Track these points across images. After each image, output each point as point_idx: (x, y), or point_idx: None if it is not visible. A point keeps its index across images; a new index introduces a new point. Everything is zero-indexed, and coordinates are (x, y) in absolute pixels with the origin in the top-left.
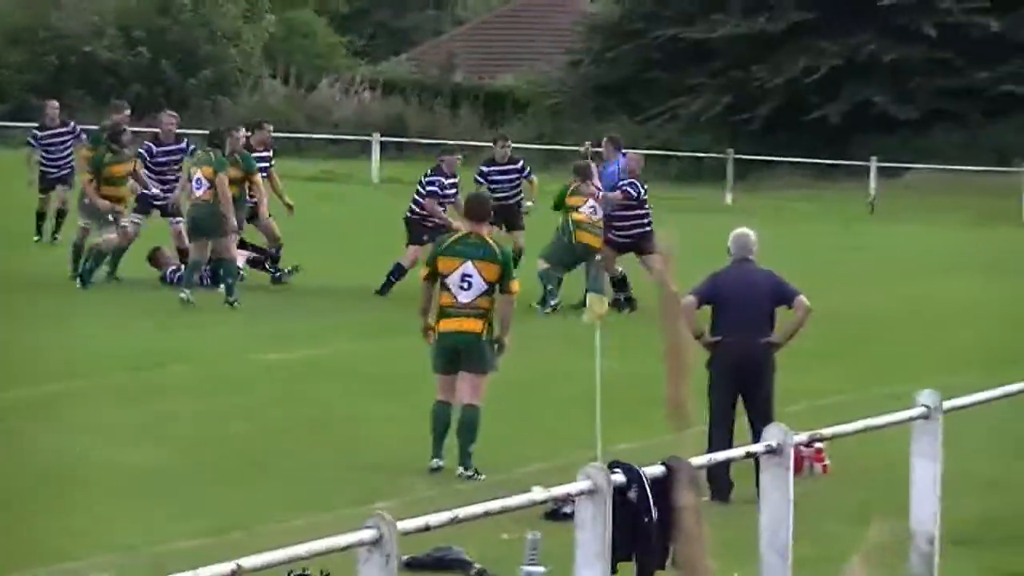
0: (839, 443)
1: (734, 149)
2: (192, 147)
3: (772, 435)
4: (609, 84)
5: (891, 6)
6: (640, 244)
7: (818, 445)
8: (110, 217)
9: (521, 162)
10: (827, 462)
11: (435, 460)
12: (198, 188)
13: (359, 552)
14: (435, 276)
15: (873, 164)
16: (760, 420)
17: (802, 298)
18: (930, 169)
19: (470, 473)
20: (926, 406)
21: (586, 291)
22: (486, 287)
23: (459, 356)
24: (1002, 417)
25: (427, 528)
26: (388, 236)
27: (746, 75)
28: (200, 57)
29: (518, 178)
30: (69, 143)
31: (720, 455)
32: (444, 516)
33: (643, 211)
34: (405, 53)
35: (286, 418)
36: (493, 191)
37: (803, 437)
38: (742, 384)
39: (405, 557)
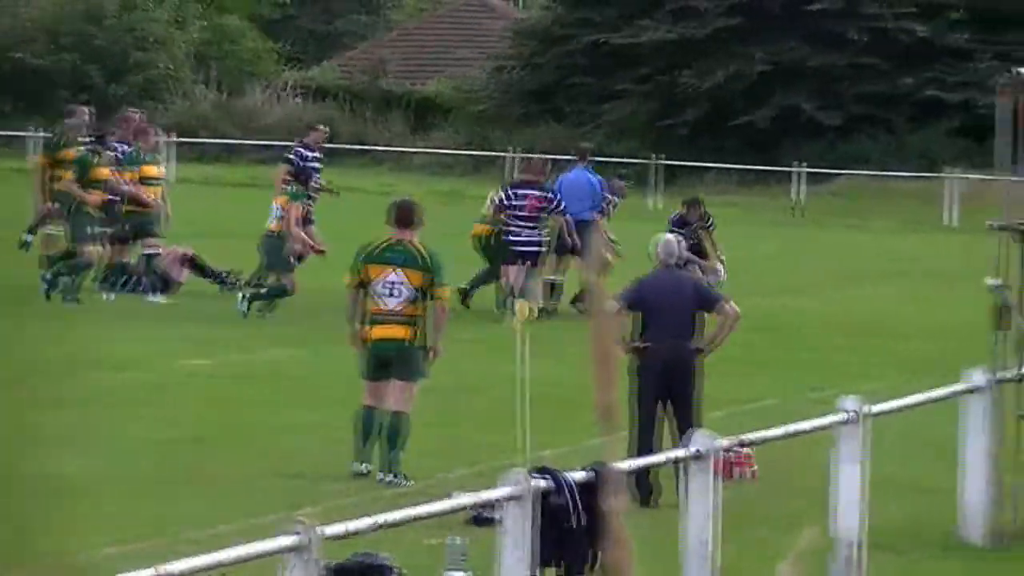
0: (764, 448)
1: (661, 155)
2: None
3: (697, 440)
4: (536, 90)
5: (818, 11)
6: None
7: (744, 450)
8: (96, 230)
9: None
10: (755, 467)
11: (360, 465)
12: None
13: (283, 558)
14: (362, 284)
15: (800, 170)
16: (685, 425)
17: (728, 304)
18: (856, 175)
19: (397, 480)
20: (851, 411)
21: (509, 297)
22: (413, 294)
23: (388, 363)
24: (922, 421)
25: (351, 534)
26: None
27: (673, 81)
28: (129, 63)
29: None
30: None
31: (645, 460)
32: (368, 522)
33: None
34: (334, 59)
35: (211, 425)
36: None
37: (728, 442)
38: (668, 389)
39: (329, 563)
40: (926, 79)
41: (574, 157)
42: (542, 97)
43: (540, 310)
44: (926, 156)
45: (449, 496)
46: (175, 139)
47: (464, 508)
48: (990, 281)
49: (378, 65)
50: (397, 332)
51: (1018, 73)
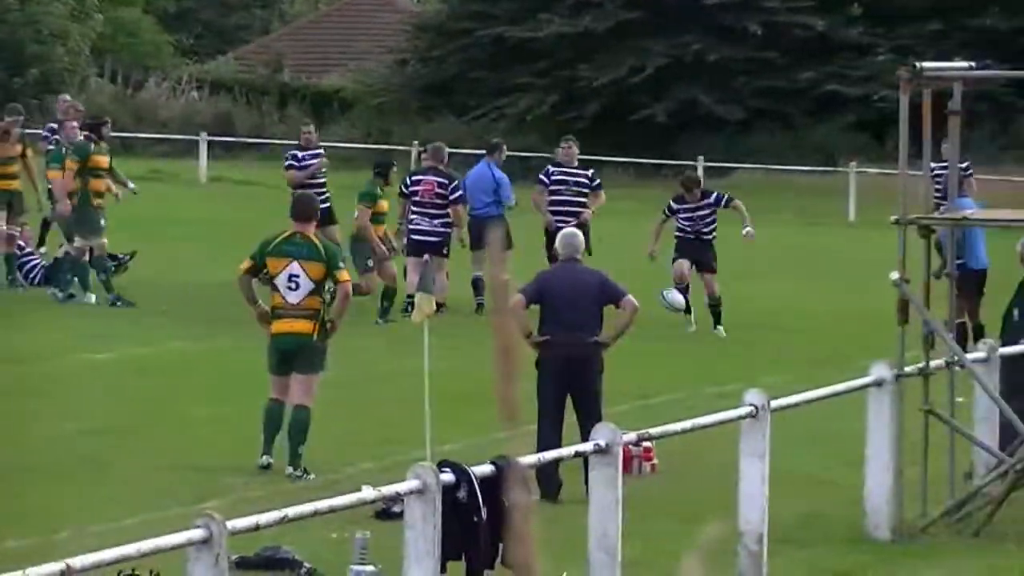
0: (667, 442)
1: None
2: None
3: (601, 434)
4: (435, 83)
5: (716, 5)
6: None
7: (647, 444)
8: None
9: (592, 171)
10: (655, 461)
11: (264, 457)
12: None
13: (188, 552)
14: (255, 271)
15: (699, 164)
16: (588, 419)
17: (630, 298)
18: (755, 169)
19: (299, 473)
20: (753, 405)
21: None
22: (313, 286)
23: (291, 357)
24: (825, 415)
25: (257, 527)
26: (215, 235)
27: (572, 74)
28: (27, 56)
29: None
30: None
31: (549, 454)
32: (274, 515)
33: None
34: (232, 52)
35: (114, 418)
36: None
37: (632, 436)
38: (569, 383)
39: (234, 557)
40: (824, 74)
41: (482, 152)
42: (442, 91)
43: (439, 305)
44: (824, 150)
45: (355, 490)
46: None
47: (369, 502)
48: (893, 276)
49: (275, 59)
50: (300, 326)
51: (916, 67)
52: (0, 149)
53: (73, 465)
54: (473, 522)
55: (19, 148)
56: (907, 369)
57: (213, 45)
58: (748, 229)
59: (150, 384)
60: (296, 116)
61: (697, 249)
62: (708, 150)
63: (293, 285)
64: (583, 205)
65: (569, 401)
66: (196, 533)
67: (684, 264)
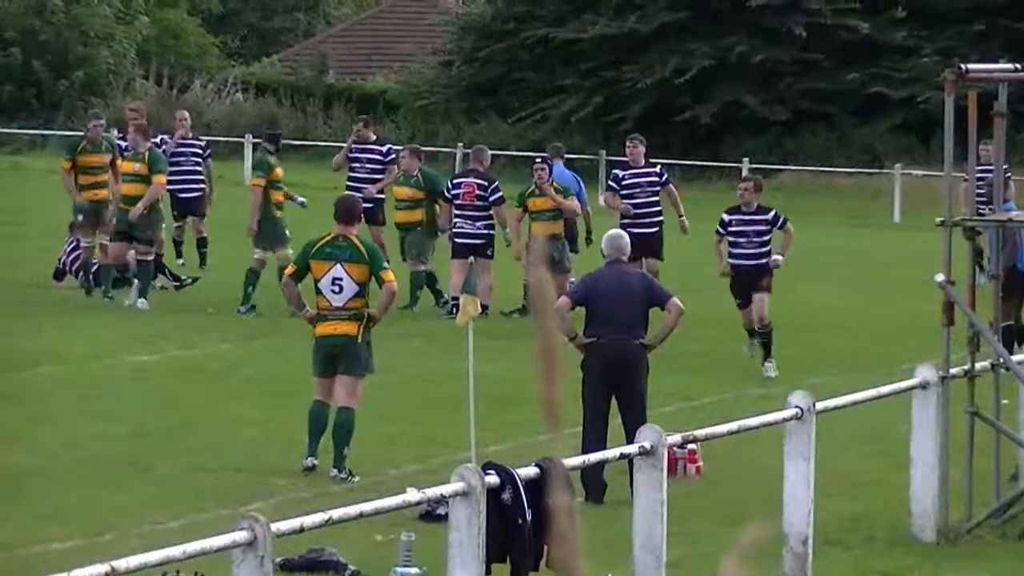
0: (712, 444)
1: (606, 150)
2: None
3: (646, 436)
4: (480, 85)
5: (761, 7)
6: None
7: (691, 446)
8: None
9: (659, 166)
10: (700, 463)
11: (309, 459)
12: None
13: (233, 554)
14: (300, 276)
15: (745, 165)
16: (633, 421)
17: (675, 300)
18: (800, 170)
19: (344, 475)
20: (799, 407)
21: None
22: (357, 288)
23: (335, 359)
24: (870, 417)
25: (301, 529)
26: None
27: (617, 76)
28: (72, 58)
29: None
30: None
31: (594, 456)
32: (318, 517)
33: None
34: (277, 54)
35: (159, 420)
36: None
37: (677, 438)
38: (614, 385)
39: (279, 559)
40: (869, 75)
41: (547, 156)
42: (486, 92)
43: (483, 307)
44: (869, 152)
45: (400, 492)
46: (117, 134)
47: (414, 504)
48: (938, 278)
49: (320, 60)
50: (344, 328)
51: (961, 68)
52: (90, 158)
53: (118, 467)
54: (517, 524)
55: (108, 157)
56: (952, 371)
57: (258, 47)
58: (778, 257)
59: (195, 386)
60: (341, 118)
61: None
62: (753, 151)
63: (337, 288)
64: (658, 204)
65: (614, 403)
66: (241, 535)
67: (751, 312)
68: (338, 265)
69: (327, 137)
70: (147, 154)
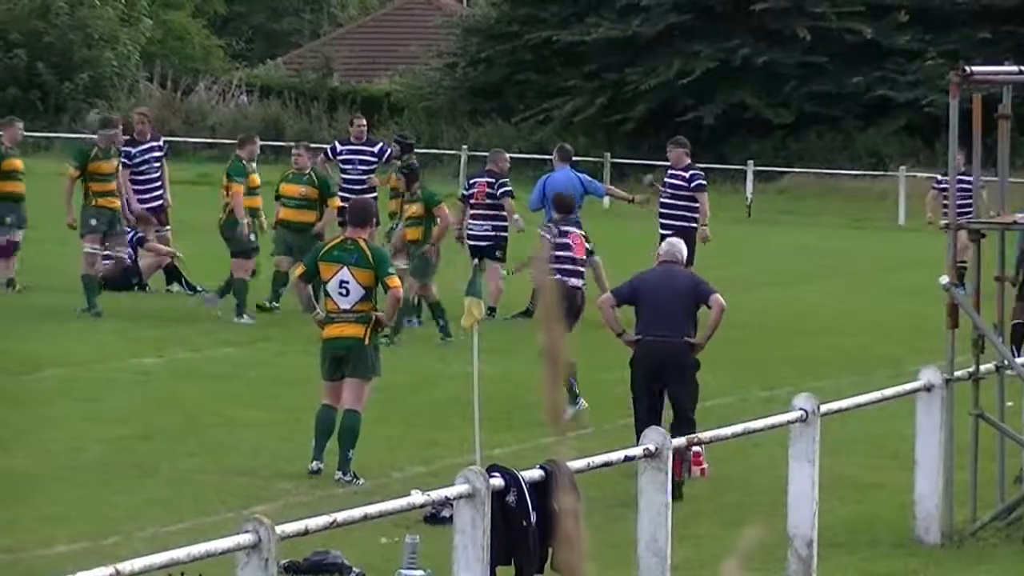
0: (717, 446)
1: (610, 152)
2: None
3: (650, 439)
4: (484, 86)
5: (765, 10)
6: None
7: (696, 448)
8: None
9: (691, 172)
10: (705, 465)
11: (315, 463)
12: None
13: (238, 556)
14: (309, 276)
15: (749, 168)
16: (678, 419)
17: (717, 296)
18: (805, 173)
19: (348, 478)
20: (803, 409)
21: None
22: (363, 292)
23: (342, 361)
24: (870, 419)
25: (306, 532)
26: (265, 240)
27: (620, 77)
28: (76, 61)
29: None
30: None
31: (598, 459)
32: (323, 520)
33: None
34: (282, 56)
35: (164, 423)
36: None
37: (682, 440)
38: (661, 382)
39: (284, 561)
40: (874, 78)
41: (553, 158)
42: (490, 94)
43: (490, 309)
44: (875, 154)
45: (404, 495)
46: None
47: (419, 507)
48: (943, 280)
49: (325, 63)
50: (351, 330)
51: (966, 70)
52: (101, 165)
53: (122, 470)
54: (522, 526)
55: (116, 163)
56: (957, 374)
57: (263, 50)
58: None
59: (199, 389)
60: (345, 121)
61: None
62: (757, 154)
63: (344, 291)
64: (686, 209)
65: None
66: (245, 538)
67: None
68: (345, 268)
69: (332, 140)
70: (313, 176)
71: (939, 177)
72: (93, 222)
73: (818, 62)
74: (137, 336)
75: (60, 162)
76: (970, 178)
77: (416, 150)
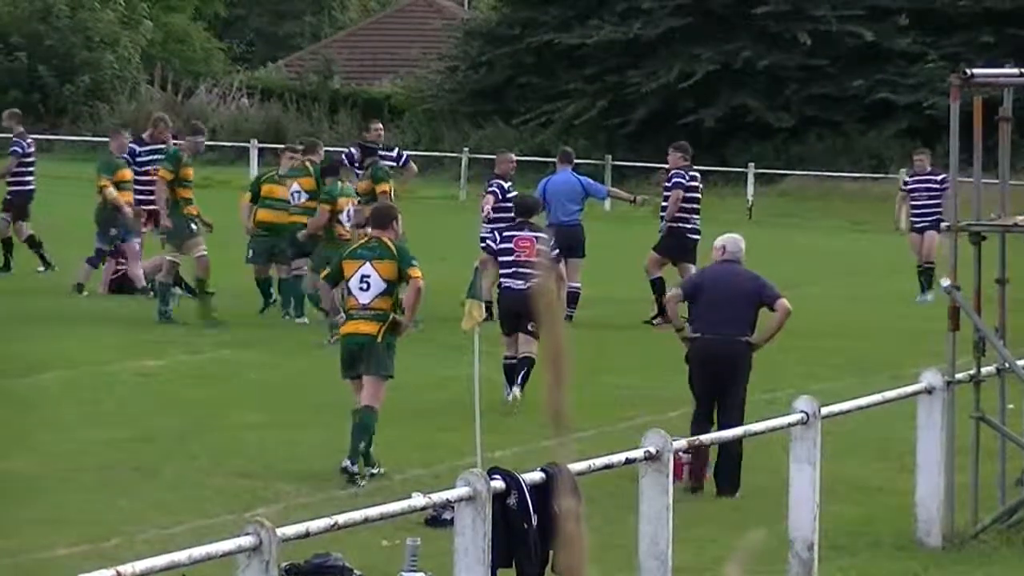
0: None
1: (610, 155)
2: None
3: (651, 441)
4: (485, 89)
5: (766, 14)
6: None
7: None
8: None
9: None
10: (707, 468)
11: (347, 462)
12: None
13: (239, 559)
14: (333, 278)
15: (750, 170)
16: (726, 417)
17: (783, 301)
18: (806, 175)
19: (354, 469)
20: (804, 412)
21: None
22: (385, 286)
23: (356, 358)
24: (871, 422)
25: (307, 534)
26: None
27: (621, 80)
28: (77, 63)
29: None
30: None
31: (599, 461)
32: (324, 522)
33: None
34: (283, 59)
35: (165, 425)
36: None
37: (683, 443)
38: (715, 379)
39: (284, 564)
40: (875, 81)
41: (555, 160)
42: (491, 97)
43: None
44: (876, 157)
45: (405, 497)
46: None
47: (419, 509)
48: (944, 282)
49: (326, 65)
50: (365, 327)
51: (967, 73)
52: (188, 171)
53: (123, 472)
54: (523, 529)
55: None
56: (958, 376)
57: (264, 52)
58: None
59: (200, 391)
60: (346, 123)
61: None
62: (758, 157)
63: (364, 285)
64: (683, 210)
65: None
66: (246, 540)
67: None
68: (367, 263)
69: (332, 142)
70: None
71: (905, 179)
72: (193, 227)
73: (819, 65)
74: (138, 339)
75: (60, 164)
76: (938, 179)
77: (417, 153)
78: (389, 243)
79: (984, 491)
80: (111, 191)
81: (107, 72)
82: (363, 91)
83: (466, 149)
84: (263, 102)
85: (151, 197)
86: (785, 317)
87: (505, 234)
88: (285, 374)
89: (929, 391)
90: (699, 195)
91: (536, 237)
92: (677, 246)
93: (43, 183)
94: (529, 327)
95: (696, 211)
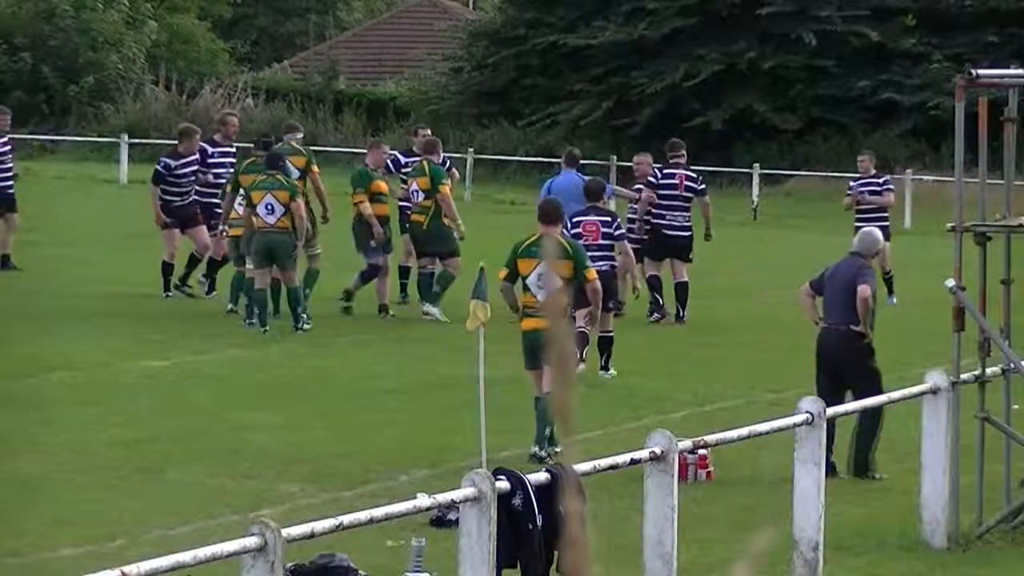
0: (723, 449)
1: (616, 156)
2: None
3: (656, 442)
4: (490, 90)
5: (771, 14)
6: None
7: (702, 452)
8: None
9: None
10: (711, 468)
11: (535, 448)
12: (269, 214)
13: (244, 559)
14: (513, 276)
15: (755, 171)
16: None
17: (861, 286)
18: (811, 176)
19: (545, 452)
20: (809, 412)
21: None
22: (561, 285)
23: (539, 351)
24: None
25: (312, 535)
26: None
27: (626, 81)
28: (82, 63)
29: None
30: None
31: (604, 462)
32: (329, 523)
33: None
34: (287, 60)
35: (170, 425)
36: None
37: (687, 443)
38: (835, 369)
39: (290, 564)
40: (880, 82)
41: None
42: (496, 98)
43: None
44: (881, 157)
45: (410, 498)
46: (127, 140)
47: (424, 510)
48: (948, 283)
49: (331, 66)
50: (544, 324)
51: (972, 73)
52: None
53: (128, 473)
54: (528, 530)
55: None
56: (963, 376)
57: (269, 52)
58: None
59: (205, 392)
60: (351, 124)
61: None
62: (763, 157)
63: (542, 284)
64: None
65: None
66: (251, 541)
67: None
68: (543, 262)
69: (337, 143)
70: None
71: (851, 183)
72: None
73: (824, 66)
74: (143, 339)
75: (65, 165)
76: (880, 180)
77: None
78: (562, 241)
79: (989, 492)
80: (367, 207)
81: (111, 73)
82: (368, 92)
83: (471, 150)
84: (268, 103)
85: (216, 200)
86: (863, 303)
87: (574, 219)
88: (290, 374)
89: (934, 392)
90: (680, 192)
91: (602, 221)
92: (657, 247)
93: (48, 183)
94: (611, 304)
95: (675, 208)
